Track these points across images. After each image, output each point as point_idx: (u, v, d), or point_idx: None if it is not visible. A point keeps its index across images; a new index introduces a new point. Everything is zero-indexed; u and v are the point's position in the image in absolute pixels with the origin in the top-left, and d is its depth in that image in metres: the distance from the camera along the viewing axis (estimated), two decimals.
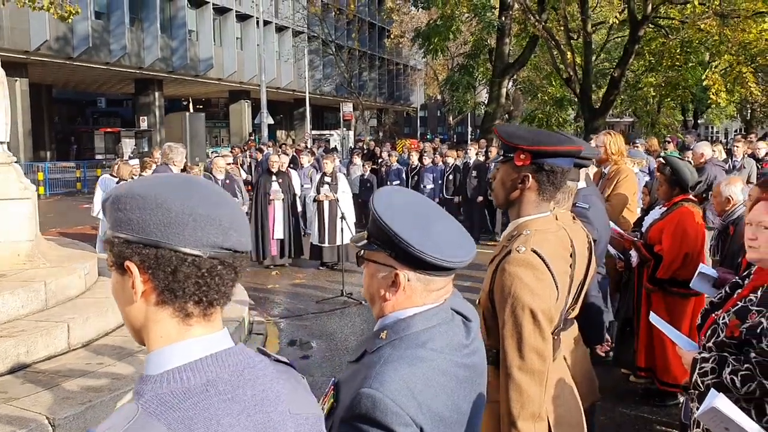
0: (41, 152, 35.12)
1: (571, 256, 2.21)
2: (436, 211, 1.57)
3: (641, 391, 5.16)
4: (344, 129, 45.73)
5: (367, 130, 52.35)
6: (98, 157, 38.04)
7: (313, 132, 51.05)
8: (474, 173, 12.38)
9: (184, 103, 54.09)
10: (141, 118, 38.16)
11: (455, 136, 50.10)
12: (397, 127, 63.26)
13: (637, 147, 10.13)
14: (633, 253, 4.94)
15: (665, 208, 4.96)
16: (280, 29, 45.24)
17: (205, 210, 1.03)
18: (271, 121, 31.75)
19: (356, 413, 1.37)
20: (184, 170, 7.00)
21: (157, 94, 37.92)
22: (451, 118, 41.22)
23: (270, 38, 44.04)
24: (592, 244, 2.89)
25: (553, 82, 24.13)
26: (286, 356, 1.27)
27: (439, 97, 42.66)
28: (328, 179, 10.09)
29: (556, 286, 2.03)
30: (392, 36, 46.14)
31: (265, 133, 26.71)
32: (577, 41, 19.46)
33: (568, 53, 18.08)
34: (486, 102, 24.50)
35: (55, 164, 32.49)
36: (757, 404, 2.24)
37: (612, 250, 5.17)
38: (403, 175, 13.76)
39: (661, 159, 5.69)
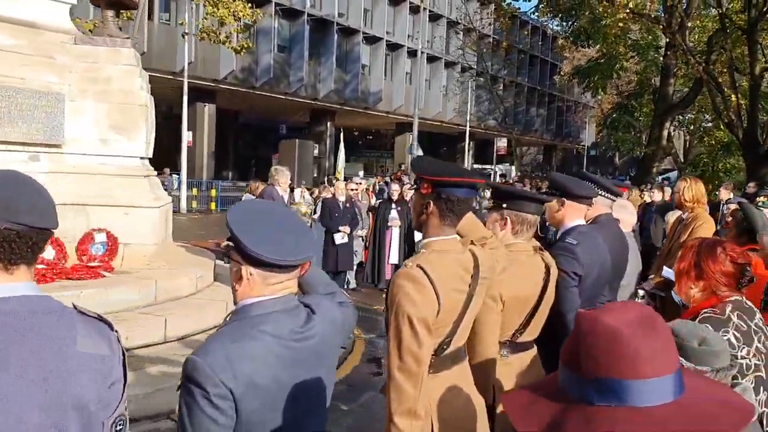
0: (223, 172, 38.58)
1: (472, 277, 2.42)
2: (286, 220, 1.94)
3: None
4: (507, 164, 45.72)
5: (521, 165, 51.66)
6: None
7: (475, 166, 51.44)
8: None
9: (356, 133, 56.92)
10: (314, 144, 40.72)
11: (628, 177, 48.16)
12: (564, 165, 61.91)
13: None
14: None
15: None
16: (449, 64, 46.34)
17: (6, 196, 1.49)
18: (421, 153, 32.64)
19: (184, 374, 1.76)
20: (292, 191, 7.72)
21: (329, 123, 40.37)
22: (617, 159, 39.83)
23: (438, 73, 45.32)
24: (552, 275, 3.04)
25: (721, 126, 22.70)
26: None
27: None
28: None
29: (438, 300, 2.26)
30: (563, 73, 45.54)
31: None
32: (745, 84, 18.27)
33: (732, 96, 17.00)
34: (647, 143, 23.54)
35: (235, 183, 35.73)
36: None
37: (676, 298, 5.05)
38: None
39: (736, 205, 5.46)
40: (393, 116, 43.20)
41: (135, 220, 7.26)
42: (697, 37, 22.31)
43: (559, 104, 56.80)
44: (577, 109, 56.73)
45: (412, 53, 43.71)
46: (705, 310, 2.56)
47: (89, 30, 11.67)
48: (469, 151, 52.43)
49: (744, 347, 2.44)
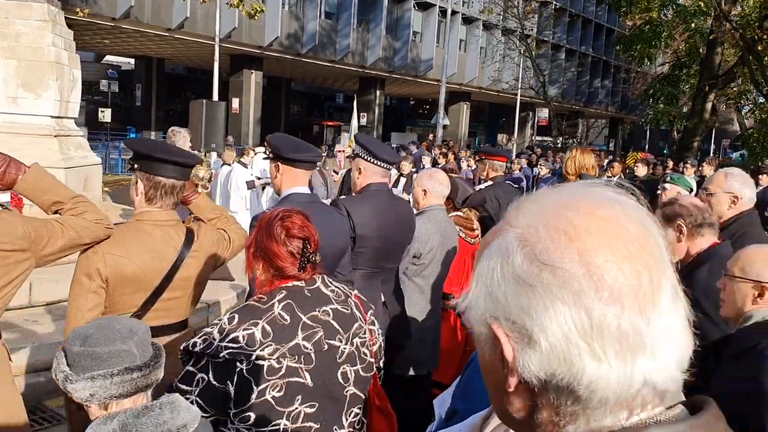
0: None
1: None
2: None
3: None
4: (566, 137, 44.15)
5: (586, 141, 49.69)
6: (322, 147, 41.19)
7: (537, 138, 49.94)
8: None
9: (412, 102, 56.17)
10: (362, 114, 40.29)
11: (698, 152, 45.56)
12: (633, 140, 59.35)
13: None
14: None
15: None
16: (506, 32, 44.73)
17: None
18: (447, 123, 31.94)
19: None
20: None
21: (378, 92, 39.81)
22: (675, 133, 37.58)
23: (494, 41, 43.88)
24: (196, 250, 2.62)
25: None
26: None
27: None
28: (403, 180, 9.92)
29: None
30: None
31: (439, 133, 26.79)
32: None
33: None
34: (688, 116, 22.04)
35: None
36: None
37: None
38: (523, 184, 13.26)
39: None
40: (445, 84, 42.14)
41: None
42: (752, 3, 20.60)
43: (624, 75, 54.08)
44: (645, 81, 53.84)
45: (467, 20, 42.43)
46: (253, 298, 2.10)
47: None
48: (527, 122, 50.93)
49: (270, 345, 1.95)
